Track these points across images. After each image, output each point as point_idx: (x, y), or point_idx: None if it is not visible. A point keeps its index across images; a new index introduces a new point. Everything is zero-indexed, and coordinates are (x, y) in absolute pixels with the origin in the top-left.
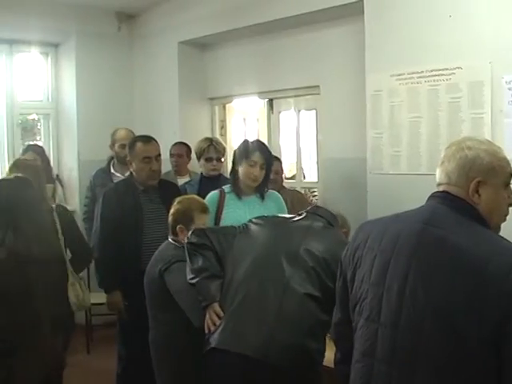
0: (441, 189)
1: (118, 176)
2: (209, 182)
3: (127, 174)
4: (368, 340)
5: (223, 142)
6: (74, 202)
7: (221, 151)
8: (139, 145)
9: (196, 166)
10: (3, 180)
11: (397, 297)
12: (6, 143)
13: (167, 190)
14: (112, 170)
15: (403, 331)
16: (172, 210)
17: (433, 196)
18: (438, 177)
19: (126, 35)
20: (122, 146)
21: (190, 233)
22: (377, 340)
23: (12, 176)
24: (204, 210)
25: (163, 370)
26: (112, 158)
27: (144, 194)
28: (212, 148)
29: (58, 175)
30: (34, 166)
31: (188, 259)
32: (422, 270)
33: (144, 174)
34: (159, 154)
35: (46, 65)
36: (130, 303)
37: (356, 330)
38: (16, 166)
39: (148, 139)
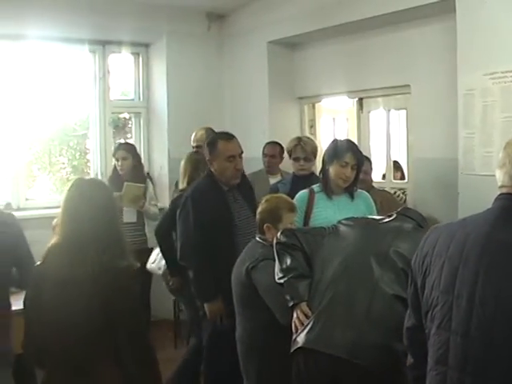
0: (504, 191)
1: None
2: (300, 181)
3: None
4: (440, 348)
5: (314, 142)
6: (164, 199)
7: (308, 151)
8: (222, 143)
9: (289, 165)
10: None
11: (467, 304)
12: (99, 141)
13: (245, 188)
14: None
15: (474, 340)
16: (260, 209)
17: (498, 199)
18: (500, 179)
19: (215, 35)
20: (197, 147)
21: (279, 233)
22: (449, 348)
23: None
24: (292, 208)
25: (248, 368)
26: None
27: (229, 193)
28: (299, 148)
29: (148, 173)
30: None
31: (277, 259)
32: (491, 276)
33: (229, 173)
34: (242, 152)
35: (137, 65)
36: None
37: (429, 336)
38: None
39: (230, 137)
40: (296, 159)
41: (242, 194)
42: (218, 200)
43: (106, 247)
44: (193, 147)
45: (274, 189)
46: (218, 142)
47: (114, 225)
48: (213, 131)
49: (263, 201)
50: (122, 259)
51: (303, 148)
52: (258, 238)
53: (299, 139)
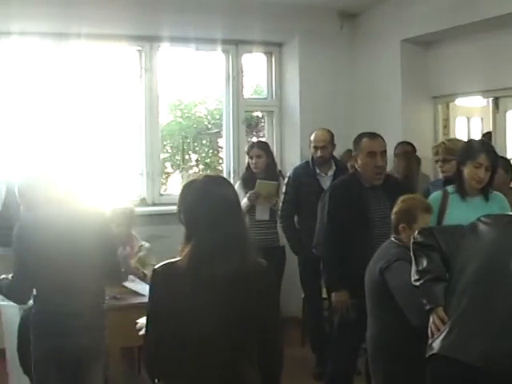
0: None
1: (323, 175)
2: (450, 183)
3: (330, 173)
4: None
5: (456, 144)
6: None
7: (446, 153)
8: (365, 140)
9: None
10: None
11: None
12: (232, 139)
13: (393, 188)
14: (317, 170)
15: None
16: (395, 209)
17: None
18: None
19: (347, 34)
20: (314, 148)
21: (416, 232)
22: None
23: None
24: (428, 209)
25: (375, 368)
26: (313, 157)
27: (370, 191)
28: (440, 150)
29: (280, 171)
30: None
31: (413, 260)
32: None
33: (369, 169)
34: (385, 151)
35: (270, 64)
36: (358, 303)
37: None
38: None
39: (374, 135)
40: (436, 161)
41: (387, 194)
42: (355, 196)
43: (247, 246)
44: (311, 147)
45: (426, 191)
46: (362, 138)
47: (245, 222)
48: (329, 132)
49: (399, 201)
50: (260, 258)
51: (445, 149)
52: (392, 238)
53: (443, 142)
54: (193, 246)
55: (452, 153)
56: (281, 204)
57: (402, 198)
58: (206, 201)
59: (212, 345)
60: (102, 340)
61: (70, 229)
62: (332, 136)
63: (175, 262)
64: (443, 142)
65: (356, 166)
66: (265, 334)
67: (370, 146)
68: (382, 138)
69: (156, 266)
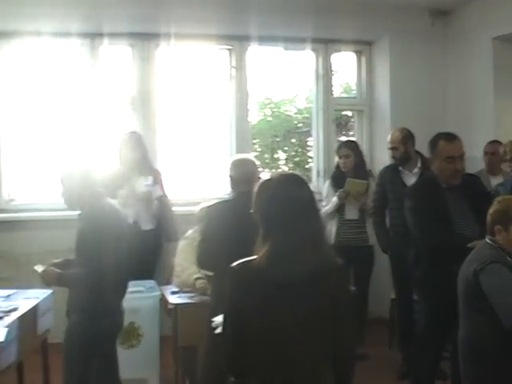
0: None
1: (407, 173)
2: None
3: (415, 170)
4: None
5: None
6: None
7: None
8: (442, 143)
9: None
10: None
11: None
12: (321, 138)
13: (472, 187)
14: (400, 168)
15: None
16: (491, 210)
17: None
18: None
19: (439, 32)
20: (392, 149)
21: None
22: None
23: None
24: None
25: (466, 368)
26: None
27: (448, 191)
28: (508, 149)
29: (370, 170)
30: None
31: None
32: None
33: (447, 173)
34: (463, 153)
35: (359, 63)
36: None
37: None
38: None
39: (452, 137)
40: None
41: (465, 194)
42: (435, 197)
43: (323, 245)
44: (388, 148)
45: (495, 192)
46: (439, 141)
47: (321, 221)
48: (409, 131)
49: (495, 202)
50: (335, 256)
51: None
52: (487, 240)
53: None
54: (269, 246)
55: None
56: (370, 202)
57: (498, 198)
58: (280, 200)
59: (289, 345)
60: None
61: None
62: (406, 135)
63: (252, 261)
64: (510, 141)
65: (432, 168)
66: (340, 334)
67: (448, 151)
68: (460, 140)
69: (233, 265)
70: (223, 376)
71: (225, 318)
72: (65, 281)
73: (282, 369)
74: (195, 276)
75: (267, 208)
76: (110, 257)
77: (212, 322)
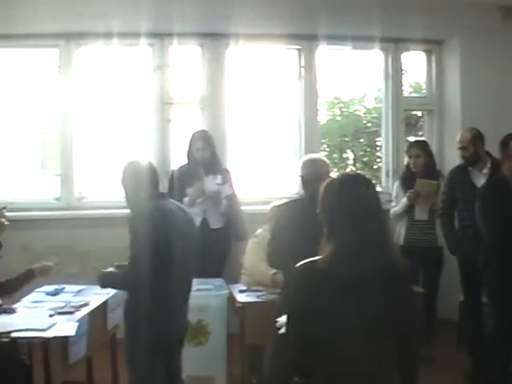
0: None
1: (476, 173)
2: None
3: (484, 170)
4: None
5: None
6: None
7: None
8: None
9: None
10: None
11: None
12: (391, 138)
13: None
14: (469, 168)
15: None
16: None
17: None
18: None
19: (510, 30)
20: (461, 148)
21: None
22: None
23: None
24: None
25: None
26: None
27: None
28: None
29: (440, 170)
30: None
31: None
32: None
33: None
34: None
35: (429, 62)
36: None
37: None
38: None
39: None
40: None
41: None
42: (505, 196)
43: (388, 246)
44: (458, 148)
45: None
46: (509, 142)
47: (386, 221)
48: (478, 131)
49: None
50: (400, 257)
51: None
52: None
53: None
54: (333, 246)
55: None
56: (439, 203)
57: None
58: (344, 200)
59: (353, 345)
60: None
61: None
62: (475, 135)
63: (316, 261)
64: None
65: (503, 169)
66: (405, 335)
67: None
68: None
69: (297, 265)
70: (289, 376)
71: (288, 319)
72: (108, 281)
73: (346, 369)
74: (273, 271)
75: (332, 208)
76: (159, 258)
77: (276, 322)
